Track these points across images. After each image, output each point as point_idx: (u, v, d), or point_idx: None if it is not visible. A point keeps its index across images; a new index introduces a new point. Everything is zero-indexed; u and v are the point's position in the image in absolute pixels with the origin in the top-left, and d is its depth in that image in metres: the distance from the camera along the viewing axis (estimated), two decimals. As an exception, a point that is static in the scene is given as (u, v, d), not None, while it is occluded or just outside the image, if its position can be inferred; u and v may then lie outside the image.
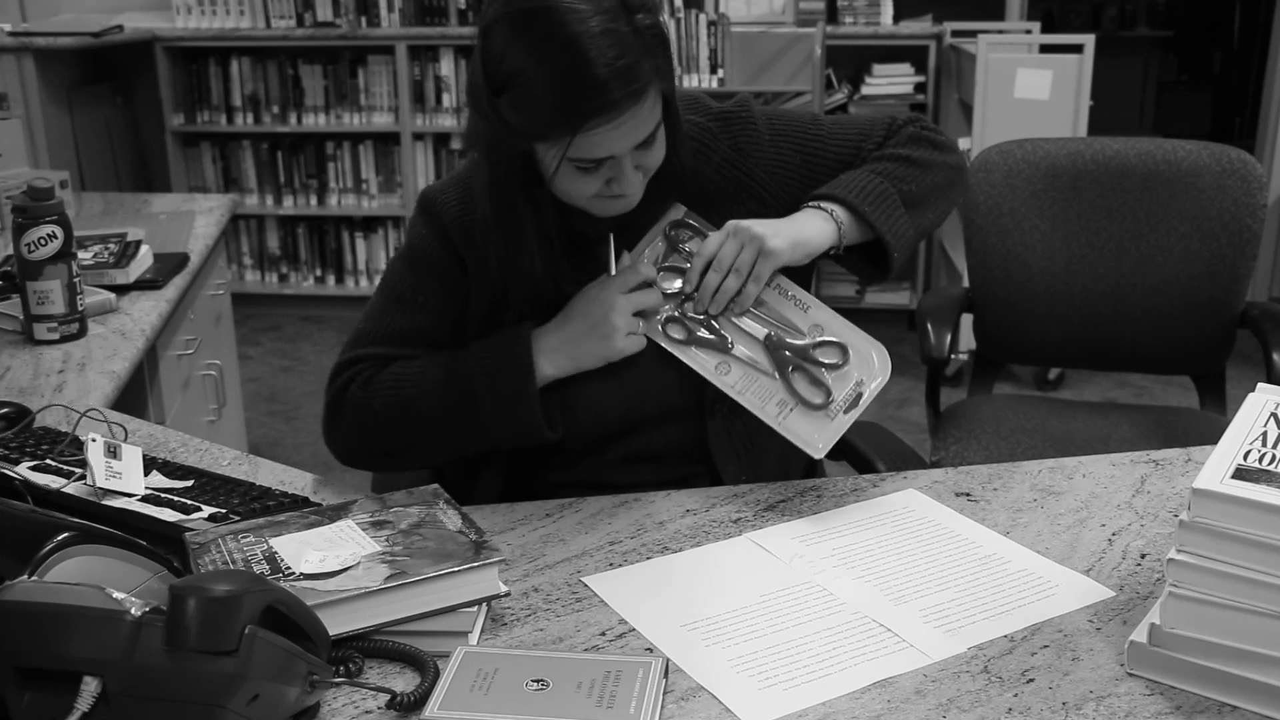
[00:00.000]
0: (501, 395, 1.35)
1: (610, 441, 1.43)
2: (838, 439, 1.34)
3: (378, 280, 5.61)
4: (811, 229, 1.38)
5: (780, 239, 1.35)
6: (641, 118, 1.26)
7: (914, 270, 4.80)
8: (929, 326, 2.32)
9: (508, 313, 1.42)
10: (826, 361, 1.36)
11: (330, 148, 5.02)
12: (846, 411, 1.35)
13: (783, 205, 1.45)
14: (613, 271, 1.39)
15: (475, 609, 1.08)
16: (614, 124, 1.24)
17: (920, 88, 4.67)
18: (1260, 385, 1.13)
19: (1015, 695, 0.99)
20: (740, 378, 1.36)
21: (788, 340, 1.37)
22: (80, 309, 1.94)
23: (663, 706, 0.98)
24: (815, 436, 1.34)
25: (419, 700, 0.97)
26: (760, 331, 1.38)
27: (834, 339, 1.37)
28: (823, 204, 1.40)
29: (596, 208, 1.35)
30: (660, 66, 1.27)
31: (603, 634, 1.10)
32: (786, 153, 1.48)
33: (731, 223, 1.37)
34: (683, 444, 1.46)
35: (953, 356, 2.82)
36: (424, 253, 1.44)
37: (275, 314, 5.12)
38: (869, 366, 1.36)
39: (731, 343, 1.37)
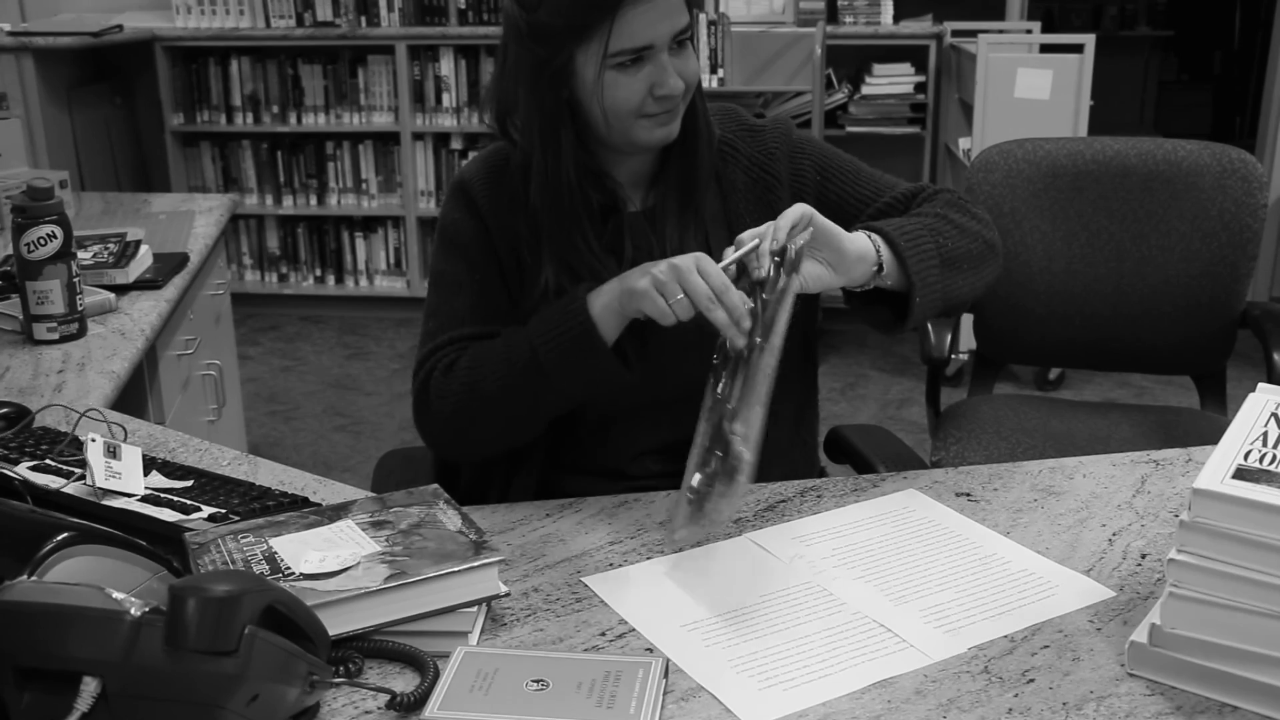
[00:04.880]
0: (566, 352, 1.33)
1: (623, 425, 1.44)
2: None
3: (378, 280, 5.54)
4: (858, 242, 1.34)
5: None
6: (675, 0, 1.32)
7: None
8: (929, 326, 2.31)
9: (540, 281, 1.43)
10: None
11: (330, 148, 5.02)
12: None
13: None
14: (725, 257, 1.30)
15: (475, 609, 1.08)
16: (649, 2, 1.29)
17: (920, 87, 4.67)
18: (1260, 385, 1.13)
19: (1015, 695, 0.99)
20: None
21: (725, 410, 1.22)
22: (80, 309, 1.94)
23: (663, 707, 0.98)
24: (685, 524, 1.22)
25: (419, 700, 0.97)
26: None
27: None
28: (865, 232, 1.37)
29: (643, 131, 1.37)
30: None
31: (603, 634, 1.10)
32: (806, 167, 1.51)
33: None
34: (690, 437, 1.46)
35: (953, 356, 2.82)
36: (459, 231, 1.47)
37: (275, 314, 5.11)
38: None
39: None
